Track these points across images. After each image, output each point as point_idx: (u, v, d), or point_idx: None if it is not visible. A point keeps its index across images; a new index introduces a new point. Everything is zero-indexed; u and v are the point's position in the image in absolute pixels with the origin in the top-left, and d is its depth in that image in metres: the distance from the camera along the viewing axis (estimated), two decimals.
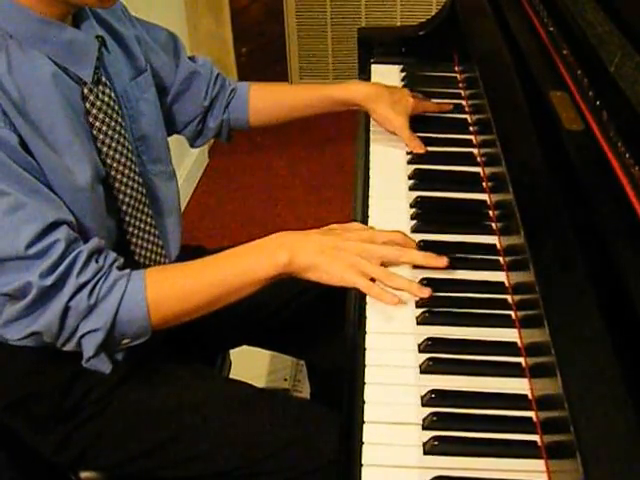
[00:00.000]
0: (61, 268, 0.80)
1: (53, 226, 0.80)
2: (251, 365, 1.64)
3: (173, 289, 0.87)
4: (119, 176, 0.95)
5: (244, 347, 1.28)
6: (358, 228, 0.92)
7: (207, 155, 2.89)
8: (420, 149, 1.13)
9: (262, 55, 3.18)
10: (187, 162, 2.69)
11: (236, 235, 2.47)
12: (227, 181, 2.80)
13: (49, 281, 0.79)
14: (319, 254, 0.84)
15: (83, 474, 1.02)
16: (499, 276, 0.88)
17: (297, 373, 1.69)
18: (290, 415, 0.99)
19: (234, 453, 0.96)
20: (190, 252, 1.16)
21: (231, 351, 1.33)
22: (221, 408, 0.98)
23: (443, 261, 0.87)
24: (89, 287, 0.81)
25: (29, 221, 0.78)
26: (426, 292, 0.84)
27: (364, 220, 1.00)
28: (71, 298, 0.80)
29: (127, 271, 0.86)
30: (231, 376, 1.39)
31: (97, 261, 0.84)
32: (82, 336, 0.83)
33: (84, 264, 0.82)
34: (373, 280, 0.85)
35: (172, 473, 1.00)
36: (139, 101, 1.01)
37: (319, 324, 1.19)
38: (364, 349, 0.80)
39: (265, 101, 1.21)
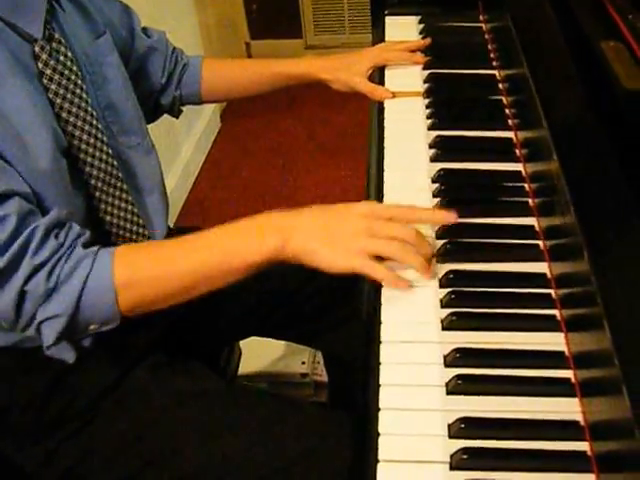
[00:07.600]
0: (14, 247, 0.71)
1: (2, 198, 0.71)
2: (266, 349, 1.54)
3: (146, 272, 0.77)
4: (84, 146, 0.84)
5: None
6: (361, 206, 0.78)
7: (219, 119, 2.76)
8: (387, 93, 1.08)
9: (274, 11, 3.03)
10: (198, 127, 2.56)
11: (251, 204, 2.35)
12: (241, 147, 2.68)
13: (1, 263, 0.70)
14: (316, 237, 0.74)
15: None
16: (540, 266, 0.74)
17: (315, 355, 1.58)
18: (301, 426, 0.87)
19: (238, 472, 0.84)
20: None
21: None
22: (222, 422, 0.87)
23: (452, 216, 0.76)
24: (47, 268, 0.72)
25: None
26: (430, 272, 0.74)
27: (378, 200, 0.86)
28: (27, 281, 0.72)
29: (93, 249, 0.76)
30: (246, 361, 1.29)
31: (57, 237, 0.74)
32: (41, 322, 0.74)
33: (40, 242, 0.72)
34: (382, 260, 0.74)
35: None
36: (102, 65, 0.91)
37: (332, 311, 1.08)
38: (379, 342, 0.69)
39: (217, 77, 1.18)
